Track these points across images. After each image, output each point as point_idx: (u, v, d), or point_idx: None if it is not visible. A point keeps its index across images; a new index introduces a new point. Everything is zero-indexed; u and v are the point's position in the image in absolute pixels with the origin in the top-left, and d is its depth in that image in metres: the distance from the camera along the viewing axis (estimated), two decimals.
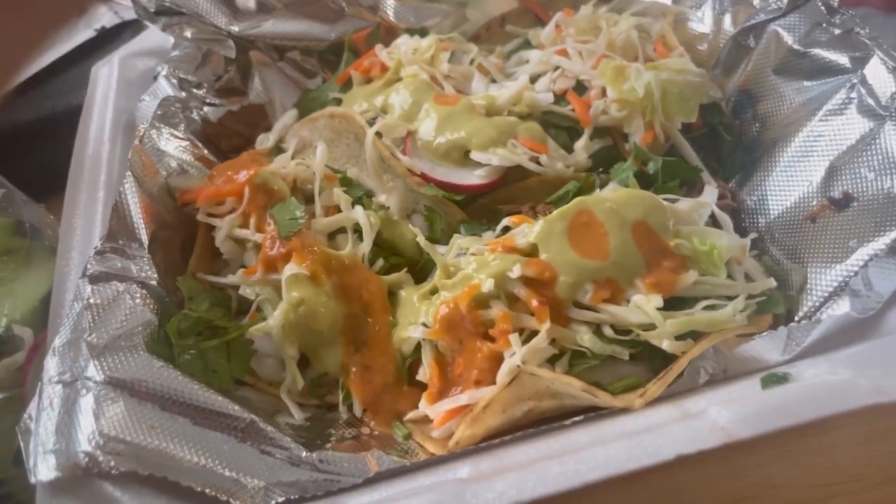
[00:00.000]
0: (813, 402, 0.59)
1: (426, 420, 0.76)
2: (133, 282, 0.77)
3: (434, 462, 0.67)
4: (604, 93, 0.92)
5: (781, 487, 0.72)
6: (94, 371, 0.68)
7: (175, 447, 0.66)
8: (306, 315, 0.77)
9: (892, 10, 2.52)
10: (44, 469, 0.63)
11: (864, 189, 0.75)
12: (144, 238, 0.80)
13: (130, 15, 1.18)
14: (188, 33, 1.03)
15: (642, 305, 0.71)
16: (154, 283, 0.79)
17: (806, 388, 0.61)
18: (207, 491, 0.64)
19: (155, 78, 0.99)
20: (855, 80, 0.80)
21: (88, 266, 0.76)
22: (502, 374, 0.71)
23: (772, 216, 0.85)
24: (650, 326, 0.71)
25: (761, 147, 0.91)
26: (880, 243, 0.70)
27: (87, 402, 0.66)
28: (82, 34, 1.21)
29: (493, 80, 1.01)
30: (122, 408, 0.67)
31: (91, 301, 0.74)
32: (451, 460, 0.66)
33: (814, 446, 0.73)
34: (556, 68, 0.97)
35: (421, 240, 0.81)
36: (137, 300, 0.76)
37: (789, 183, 0.84)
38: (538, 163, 0.88)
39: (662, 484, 0.74)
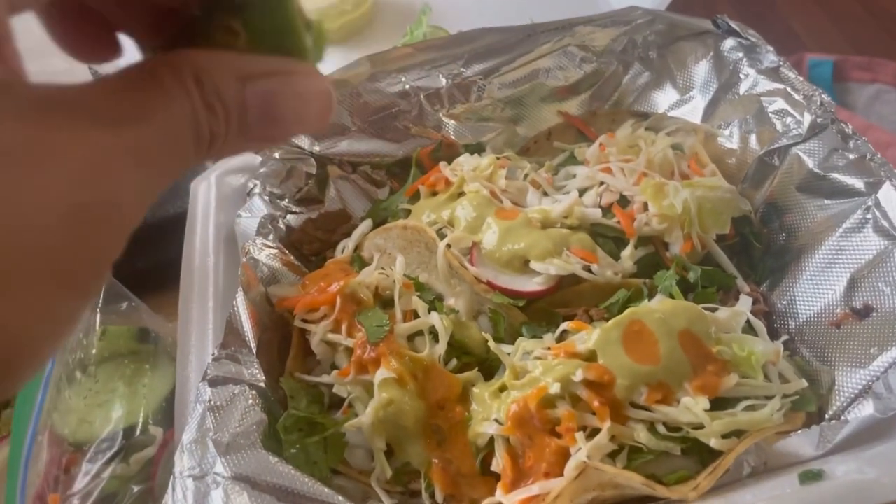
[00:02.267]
0: (847, 499, 0.69)
1: None
2: (245, 384, 0.89)
3: None
4: (645, 207, 1.04)
5: None
6: (221, 467, 0.80)
7: None
8: (394, 412, 0.89)
9: None
10: None
11: (882, 302, 0.86)
12: (253, 345, 0.93)
13: None
14: (276, 154, 1.17)
15: (691, 407, 0.82)
16: (262, 384, 0.91)
17: (838, 486, 0.71)
18: None
19: (249, 195, 1.13)
20: (870, 203, 0.92)
21: (208, 371, 0.89)
22: (570, 469, 0.81)
23: (801, 319, 0.95)
24: (699, 425, 0.81)
25: (789, 254, 1.02)
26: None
27: (217, 495, 0.78)
28: None
29: (545, 193, 1.14)
30: (247, 499, 0.78)
31: (212, 403, 0.86)
32: None
33: None
34: (601, 183, 1.10)
35: (492, 344, 0.93)
36: (250, 401, 0.88)
37: (815, 290, 0.95)
38: (590, 271, 1.01)
39: None
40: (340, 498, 0.82)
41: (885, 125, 2.42)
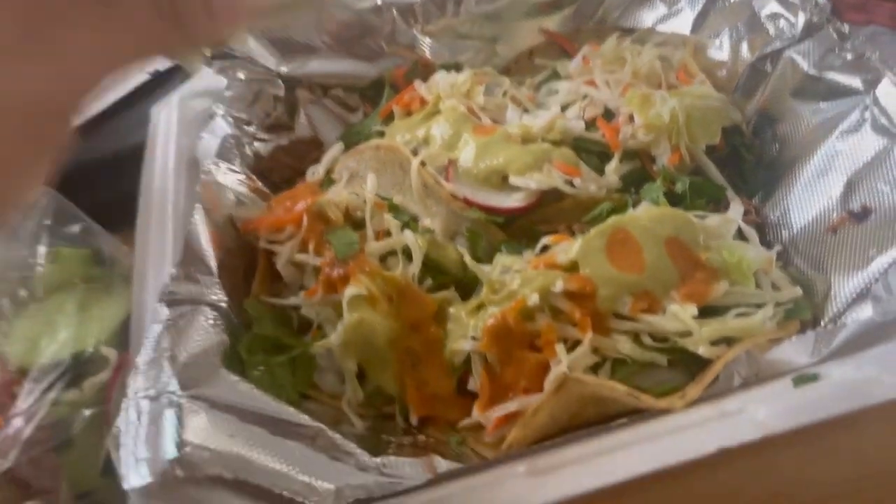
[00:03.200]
0: (841, 398, 0.64)
1: (478, 427, 0.82)
2: (205, 305, 0.84)
3: (490, 463, 0.73)
4: (631, 119, 0.98)
5: (814, 482, 0.77)
6: (176, 386, 0.75)
7: (254, 454, 0.72)
8: (365, 332, 0.84)
9: None
10: (136, 477, 0.69)
11: (881, 202, 0.81)
12: (213, 265, 0.87)
13: None
14: (241, 75, 1.11)
15: (678, 314, 0.77)
16: (224, 305, 0.85)
17: (835, 385, 0.66)
18: (285, 493, 0.70)
19: (212, 117, 1.07)
20: (868, 101, 0.86)
21: (165, 291, 0.83)
22: (550, 382, 0.76)
23: (795, 229, 0.90)
24: (686, 334, 0.77)
25: (782, 165, 0.96)
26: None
27: (172, 415, 0.72)
28: (137, 77, 1.29)
29: (526, 111, 1.08)
30: (205, 419, 0.73)
31: (169, 322, 0.81)
32: (506, 461, 0.72)
33: (846, 441, 0.78)
34: (585, 97, 1.04)
35: (468, 259, 0.87)
36: (210, 321, 0.82)
37: (810, 198, 0.90)
38: (572, 185, 0.95)
39: (702, 482, 0.79)
40: (306, 417, 0.77)
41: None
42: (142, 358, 0.79)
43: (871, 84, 0.86)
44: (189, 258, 0.87)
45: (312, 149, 1.16)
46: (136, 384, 0.76)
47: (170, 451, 0.70)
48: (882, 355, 0.70)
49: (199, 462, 0.69)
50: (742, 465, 0.77)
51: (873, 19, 2.61)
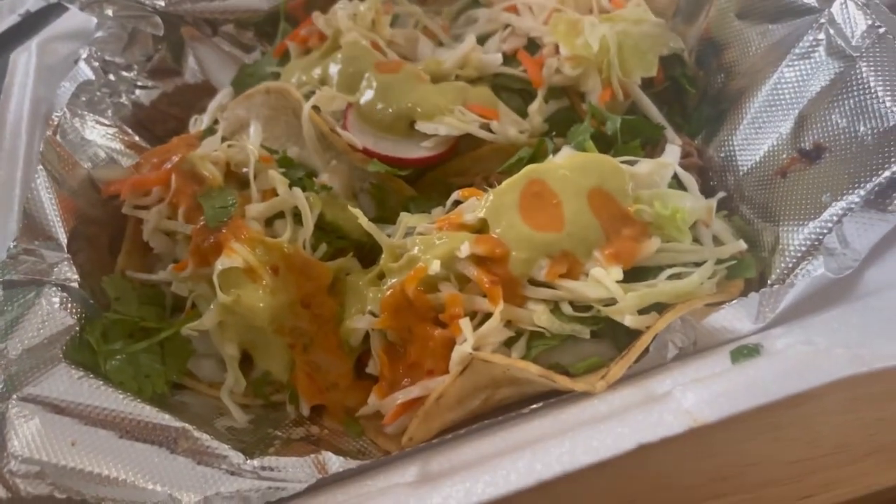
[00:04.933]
0: (785, 378, 0.54)
1: (379, 416, 0.71)
2: (50, 285, 0.71)
3: (383, 463, 0.62)
4: (557, 50, 0.85)
5: (759, 464, 0.68)
6: (4, 387, 0.62)
7: (98, 464, 0.61)
8: (244, 311, 0.71)
9: None
10: None
11: (837, 138, 0.69)
12: (63, 237, 0.74)
13: None
14: (109, 11, 0.96)
15: (601, 279, 0.65)
16: (75, 284, 0.72)
17: (778, 361, 0.56)
18: None
19: (75, 62, 0.92)
20: (822, 20, 0.74)
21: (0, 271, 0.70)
22: (454, 362, 0.65)
23: (741, 173, 0.79)
24: (611, 301, 0.65)
25: (728, 99, 0.85)
26: (855, 196, 0.65)
27: None
28: (5, 19, 1.12)
29: (441, 44, 0.94)
30: (38, 425, 0.61)
31: (4, 309, 0.68)
32: (400, 460, 0.61)
33: (792, 418, 0.69)
34: (507, 27, 0.90)
35: (363, 220, 0.74)
36: (56, 305, 0.70)
37: (758, 136, 0.78)
38: (489, 130, 0.82)
39: (635, 468, 0.69)
40: (166, 415, 0.65)
41: None
42: None
43: (826, 0, 0.74)
44: (30, 231, 0.74)
45: (203, 95, 1.02)
46: None
47: None
48: (835, 321, 0.60)
49: (26, 479, 0.58)
50: (676, 449, 0.67)
51: None
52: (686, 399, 0.54)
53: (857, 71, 0.69)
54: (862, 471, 0.66)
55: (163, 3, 0.97)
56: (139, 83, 0.99)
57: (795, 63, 0.76)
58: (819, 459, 0.67)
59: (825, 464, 0.67)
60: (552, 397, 0.63)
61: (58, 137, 0.80)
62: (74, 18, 0.99)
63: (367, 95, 0.84)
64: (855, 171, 0.66)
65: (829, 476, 0.67)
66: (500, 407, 0.68)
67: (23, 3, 1.16)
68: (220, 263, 0.71)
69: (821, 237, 0.66)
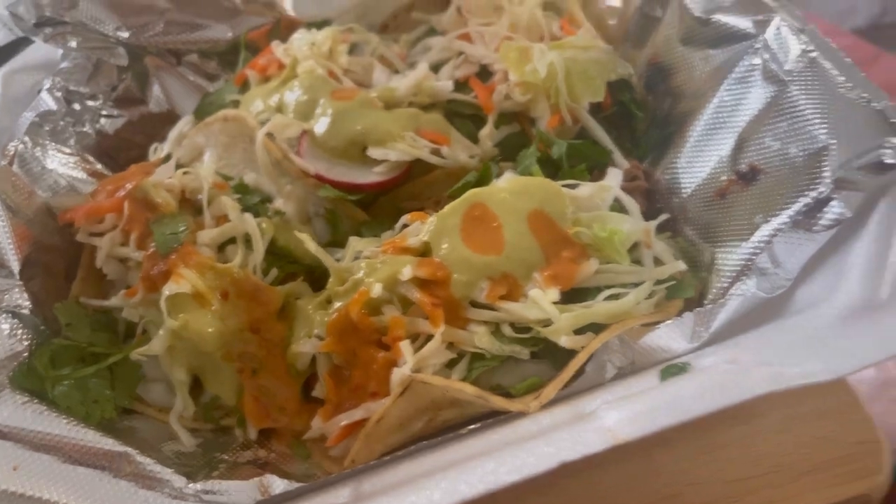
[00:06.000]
0: (705, 396, 0.54)
1: (325, 438, 0.71)
2: (2, 312, 0.72)
3: (321, 485, 0.62)
4: (507, 77, 0.87)
5: (700, 484, 0.68)
6: None
7: (40, 489, 0.61)
8: (192, 337, 0.72)
9: None
10: None
11: (771, 160, 0.71)
12: (14, 264, 0.75)
13: None
14: (73, 43, 0.97)
15: (538, 300, 0.67)
16: (27, 311, 0.73)
17: (701, 379, 0.57)
18: None
19: (38, 92, 0.94)
20: (758, 45, 0.76)
21: None
22: (393, 385, 0.66)
23: (684, 194, 0.80)
24: (548, 322, 0.66)
25: (674, 122, 0.86)
26: (784, 216, 0.66)
27: None
28: None
29: (397, 71, 0.96)
30: None
31: None
32: (337, 482, 0.62)
33: (732, 438, 0.70)
34: (460, 54, 0.92)
35: (310, 245, 0.75)
36: (4, 331, 0.71)
37: (700, 158, 0.80)
38: (440, 155, 0.84)
39: (581, 488, 0.70)
40: (109, 440, 0.66)
41: (825, 16, 2.28)
42: None
43: (762, 25, 0.76)
44: None
45: (168, 124, 1.03)
46: None
47: None
48: (761, 339, 0.61)
49: None
50: (623, 469, 0.68)
51: None
52: (609, 417, 0.55)
53: (790, 94, 0.71)
54: (799, 490, 0.67)
55: (126, 35, 0.99)
56: (104, 112, 1.01)
57: (734, 87, 0.78)
58: (757, 478, 0.68)
59: (763, 483, 0.68)
60: (491, 417, 0.64)
61: (14, 167, 0.81)
62: (40, 51, 1.01)
63: (321, 122, 0.86)
64: (786, 192, 0.67)
65: (767, 495, 0.67)
66: (446, 428, 0.68)
67: None
68: (168, 289, 0.72)
69: (753, 257, 0.67)
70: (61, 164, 0.91)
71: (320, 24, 1.03)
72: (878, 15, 2.56)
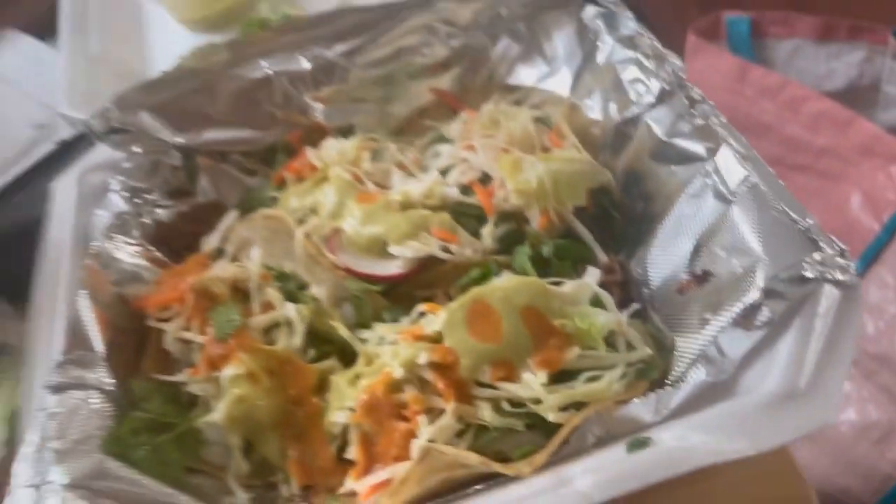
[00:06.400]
0: (660, 466, 0.70)
1: (355, 494, 0.86)
2: (92, 389, 0.88)
3: None
4: (504, 183, 1.04)
5: None
6: (56, 475, 0.79)
7: None
8: (246, 409, 0.88)
9: (822, 38, 2.67)
10: None
11: (719, 266, 0.87)
12: (100, 347, 0.91)
13: None
14: (136, 148, 1.14)
15: (530, 382, 0.83)
16: (111, 388, 0.89)
17: (658, 453, 0.72)
18: None
19: (107, 192, 1.11)
20: (709, 168, 0.92)
21: (50, 378, 0.87)
22: (414, 452, 0.81)
23: (653, 287, 0.96)
24: (538, 400, 0.82)
25: (646, 221, 1.03)
26: (727, 316, 0.82)
27: None
28: (42, 147, 1.32)
29: (411, 174, 1.13)
30: None
31: (53, 410, 0.84)
32: None
33: (688, 495, 0.85)
34: (464, 161, 1.09)
35: (343, 332, 0.92)
36: (95, 406, 0.86)
37: (665, 257, 0.96)
38: (449, 251, 1.00)
39: None
40: (183, 497, 0.81)
41: (805, 79, 2.43)
42: (25, 447, 0.82)
43: (712, 151, 0.92)
44: (74, 343, 0.90)
45: (214, 213, 1.20)
46: (19, 474, 0.80)
47: None
48: (708, 420, 0.76)
49: None
50: None
51: (795, 33, 2.68)
52: (584, 483, 0.70)
53: (732, 212, 0.88)
54: None
55: (181, 140, 1.17)
56: (160, 203, 1.17)
57: (692, 200, 0.94)
58: None
59: None
60: (494, 478, 0.79)
61: (93, 262, 0.98)
62: (106, 150, 1.18)
63: (349, 223, 1.03)
64: (729, 295, 0.83)
65: None
66: (459, 484, 0.83)
67: (56, 131, 1.36)
68: (227, 371, 0.88)
69: (704, 348, 0.83)
70: (127, 253, 1.07)
71: (346, 130, 1.21)
72: (855, 77, 2.67)
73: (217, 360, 0.90)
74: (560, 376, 0.85)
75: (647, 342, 0.90)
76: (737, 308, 0.81)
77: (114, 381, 0.90)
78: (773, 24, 2.55)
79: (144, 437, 0.88)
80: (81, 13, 1.57)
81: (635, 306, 0.93)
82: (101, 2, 1.62)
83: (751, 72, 2.26)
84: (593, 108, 1.14)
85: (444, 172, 1.09)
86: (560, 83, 1.20)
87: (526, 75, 1.23)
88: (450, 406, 0.83)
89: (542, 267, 0.97)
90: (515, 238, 1.04)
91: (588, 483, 0.70)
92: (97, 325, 0.93)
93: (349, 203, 1.05)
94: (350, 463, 0.89)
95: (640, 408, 0.80)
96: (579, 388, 0.83)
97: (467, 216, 1.06)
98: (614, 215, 1.06)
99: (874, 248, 1.42)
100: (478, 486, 0.79)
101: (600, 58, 1.12)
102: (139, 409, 0.90)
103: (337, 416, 0.88)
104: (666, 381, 0.87)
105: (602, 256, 1.01)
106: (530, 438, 0.84)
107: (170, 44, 1.52)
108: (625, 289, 0.99)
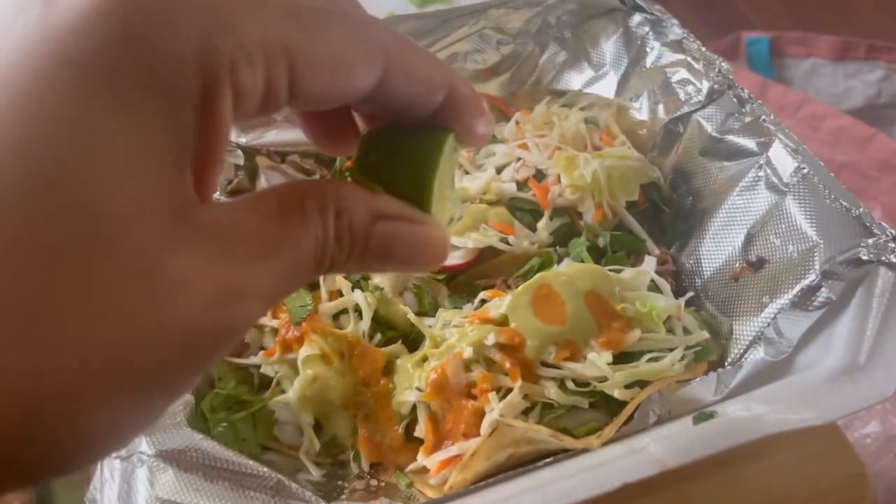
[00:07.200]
0: (727, 435, 0.74)
1: (424, 470, 0.90)
2: None
3: (432, 503, 0.81)
4: (559, 179, 1.08)
5: None
6: (146, 447, 0.83)
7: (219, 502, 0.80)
8: (319, 388, 0.92)
9: (839, 58, 2.72)
10: None
11: (773, 253, 0.91)
12: None
13: None
14: None
15: (596, 361, 0.86)
16: None
17: (724, 423, 0.76)
18: None
19: None
20: (762, 161, 0.97)
21: None
22: (484, 427, 0.85)
23: (705, 276, 1.00)
24: (603, 379, 0.86)
25: (695, 217, 1.07)
26: (785, 298, 0.85)
27: (142, 473, 0.81)
28: None
29: (467, 172, 1.18)
30: (172, 476, 0.81)
31: None
32: (445, 502, 0.80)
33: (750, 472, 0.88)
34: (518, 160, 1.14)
35: (411, 316, 0.96)
36: None
37: (717, 248, 1.00)
38: (507, 242, 1.05)
39: None
40: (265, 469, 0.85)
41: (821, 98, 2.48)
42: None
43: (765, 146, 0.97)
44: None
45: None
46: None
47: None
48: (770, 393, 0.79)
49: None
50: (655, 498, 0.86)
51: (813, 52, 2.73)
52: (657, 450, 0.74)
53: (787, 203, 0.92)
54: None
55: (244, 140, 1.22)
56: (222, 200, 1.22)
57: (744, 193, 0.98)
58: None
59: None
60: (560, 453, 0.83)
61: None
62: None
63: None
64: (786, 279, 0.87)
65: None
66: (522, 462, 0.87)
67: None
68: (303, 351, 0.93)
69: (762, 329, 0.87)
70: None
71: None
72: (873, 96, 2.70)
73: (291, 343, 0.95)
74: (621, 358, 0.89)
75: (702, 328, 0.94)
76: (795, 290, 0.85)
77: None
78: (791, 44, 2.61)
79: (223, 415, 0.92)
80: None
81: (689, 294, 0.97)
82: None
83: (771, 89, 2.32)
84: (640, 110, 1.19)
85: (499, 170, 1.14)
86: (606, 87, 1.25)
87: (572, 80, 1.28)
88: (517, 384, 0.87)
89: (598, 258, 1.01)
90: (569, 231, 1.08)
91: (661, 450, 0.73)
92: None
93: None
94: (417, 442, 0.93)
95: (701, 387, 0.84)
96: (643, 368, 0.86)
97: (522, 210, 1.10)
98: (665, 209, 1.10)
99: None
100: (546, 460, 0.82)
101: (648, 61, 1.17)
102: (218, 388, 0.94)
103: (406, 396, 0.92)
104: (724, 363, 0.90)
105: (654, 248, 1.05)
106: (594, 416, 0.88)
107: None
108: (677, 279, 1.03)
